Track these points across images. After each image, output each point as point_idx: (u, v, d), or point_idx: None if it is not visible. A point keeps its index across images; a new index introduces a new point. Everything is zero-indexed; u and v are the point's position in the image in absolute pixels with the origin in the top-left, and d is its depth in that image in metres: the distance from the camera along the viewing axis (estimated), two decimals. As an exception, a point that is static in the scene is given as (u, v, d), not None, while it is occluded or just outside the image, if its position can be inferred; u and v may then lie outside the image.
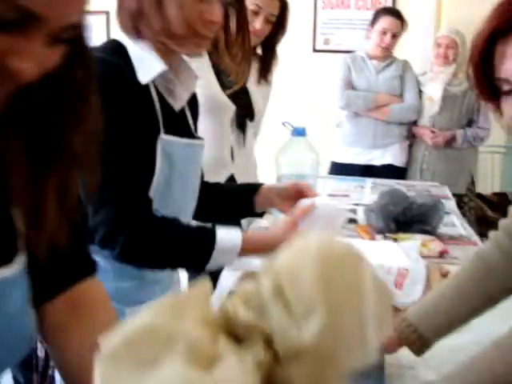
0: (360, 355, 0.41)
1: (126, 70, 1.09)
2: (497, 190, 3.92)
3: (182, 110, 1.27)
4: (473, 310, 1.12)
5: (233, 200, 1.41)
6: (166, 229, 1.12)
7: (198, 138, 1.30)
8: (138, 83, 1.10)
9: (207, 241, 1.12)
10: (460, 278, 1.15)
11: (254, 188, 1.38)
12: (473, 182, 3.40)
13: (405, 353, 1.17)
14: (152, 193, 1.13)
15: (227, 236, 1.13)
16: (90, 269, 0.78)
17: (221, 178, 1.98)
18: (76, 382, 0.71)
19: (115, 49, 1.13)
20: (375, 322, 0.42)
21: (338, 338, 0.39)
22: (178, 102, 1.23)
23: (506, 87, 0.85)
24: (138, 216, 1.10)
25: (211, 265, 1.12)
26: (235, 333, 0.40)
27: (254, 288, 0.42)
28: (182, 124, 1.26)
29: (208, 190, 1.38)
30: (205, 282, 0.43)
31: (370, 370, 1.16)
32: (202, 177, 1.38)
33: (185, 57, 1.22)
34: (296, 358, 0.39)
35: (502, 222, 1.14)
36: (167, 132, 1.16)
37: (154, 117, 1.14)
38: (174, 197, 1.19)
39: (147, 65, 1.11)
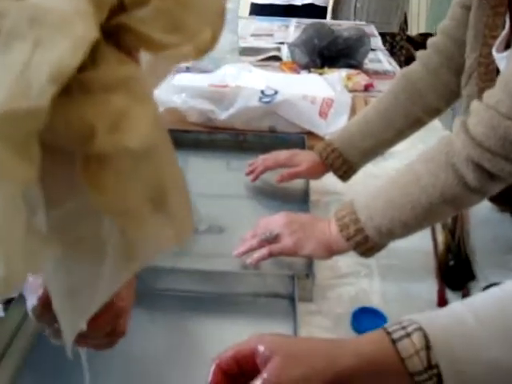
0: None
1: None
2: (422, 30, 3.87)
3: None
4: (398, 132, 1.09)
5: None
6: None
7: None
8: None
9: None
10: (385, 100, 1.10)
11: None
12: (406, 22, 3.32)
13: (330, 179, 1.15)
14: None
15: None
16: None
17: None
18: None
19: None
20: None
21: None
22: None
23: None
24: None
25: None
26: None
27: None
28: None
29: None
30: None
31: (294, 196, 1.15)
32: None
33: None
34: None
35: (430, 40, 1.08)
36: None
37: None
38: None
39: None
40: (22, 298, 0.81)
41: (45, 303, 0.53)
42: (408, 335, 0.53)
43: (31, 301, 0.56)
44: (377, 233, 0.82)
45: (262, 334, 0.55)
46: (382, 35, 2.78)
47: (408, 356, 0.52)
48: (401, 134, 1.10)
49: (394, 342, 0.53)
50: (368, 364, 0.52)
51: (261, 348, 0.53)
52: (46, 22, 0.27)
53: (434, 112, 1.10)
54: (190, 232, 0.35)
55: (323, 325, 0.84)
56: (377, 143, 1.09)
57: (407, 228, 0.83)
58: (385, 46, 2.56)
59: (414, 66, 1.10)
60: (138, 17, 0.30)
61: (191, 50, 0.32)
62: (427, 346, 0.52)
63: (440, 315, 0.56)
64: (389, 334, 0.53)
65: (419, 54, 1.10)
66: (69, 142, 0.28)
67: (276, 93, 1.36)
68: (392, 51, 2.91)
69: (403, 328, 0.53)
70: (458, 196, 0.79)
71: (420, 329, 0.53)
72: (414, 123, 1.09)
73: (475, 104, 0.79)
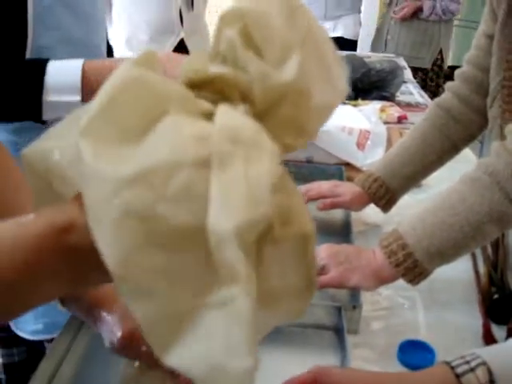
0: (330, 92, 0.37)
1: None
2: (450, 63, 3.86)
3: None
4: (437, 156, 1.10)
5: None
6: None
7: None
8: None
9: (33, 74, 0.87)
10: (422, 129, 1.11)
11: None
12: (442, 58, 3.28)
13: (370, 212, 1.15)
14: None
15: (63, 65, 0.87)
16: None
17: (169, 42, 1.84)
18: None
19: None
20: (337, 63, 0.38)
21: (310, 76, 0.35)
22: None
23: None
24: None
25: (49, 112, 0.87)
26: (205, 95, 0.34)
27: (214, 48, 0.35)
28: None
29: None
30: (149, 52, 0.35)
31: (334, 227, 1.16)
32: None
33: None
34: (277, 102, 0.34)
35: (458, 71, 1.11)
36: None
37: None
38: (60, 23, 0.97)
39: None
40: (64, 337, 0.82)
41: (126, 342, 0.55)
42: (472, 370, 0.52)
43: (109, 338, 0.58)
44: (426, 255, 0.82)
45: (324, 366, 0.55)
46: (415, 70, 2.77)
47: None
48: (439, 159, 1.11)
49: (457, 376, 0.52)
50: None
51: (324, 379, 0.53)
52: (244, 141, 0.30)
53: (468, 138, 1.11)
54: None
55: (369, 357, 0.84)
56: (417, 169, 1.10)
57: (456, 248, 0.83)
58: (416, 80, 2.56)
59: (444, 95, 1.12)
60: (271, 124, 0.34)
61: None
62: (491, 381, 0.52)
63: (502, 349, 0.56)
64: (452, 368, 0.53)
65: (448, 85, 1.13)
66: None
67: (313, 124, 1.37)
68: (425, 87, 2.90)
69: (467, 362, 0.53)
70: (504, 214, 0.81)
71: (484, 363, 0.53)
72: (450, 149, 1.11)
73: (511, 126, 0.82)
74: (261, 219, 0.29)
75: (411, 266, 0.82)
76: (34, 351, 1.09)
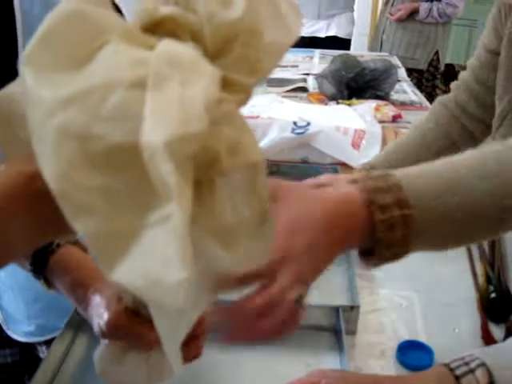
0: (282, 32, 0.38)
1: None
2: (447, 61, 3.86)
3: None
4: (435, 155, 1.09)
5: None
6: None
7: None
8: None
9: None
10: (424, 126, 1.11)
11: None
12: (438, 59, 3.26)
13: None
14: None
15: None
16: None
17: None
18: None
19: None
20: (290, 5, 0.38)
21: (260, 15, 0.36)
22: None
23: None
24: None
25: None
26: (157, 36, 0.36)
27: None
28: None
29: None
30: None
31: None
32: None
33: None
34: (228, 41, 0.36)
35: (461, 75, 1.11)
36: None
37: None
38: None
39: None
40: (62, 339, 0.82)
41: (112, 325, 0.55)
42: (471, 371, 0.52)
43: (97, 322, 0.58)
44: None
45: (323, 369, 0.55)
46: (409, 70, 2.75)
47: None
48: (437, 156, 1.10)
49: (457, 378, 0.52)
50: None
51: (323, 382, 0.52)
52: (183, 65, 0.31)
53: (470, 141, 1.10)
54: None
55: (367, 358, 0.83)
56: (413, 165, 1.09)
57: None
58: (411, 81, 2.55)
59: (449, 96, 1.12)
60: (223, 64, 0.35)
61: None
62: (491, 382, 0.52)
63: (501, 350, 0.56)
64: (451, 370, 0.53)
65: (453, 85, 1.12)
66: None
67: (308, 124, 1.37)
68: (421, 88, 2.89)
69: (466, 364, 0.53)
70: None
71: (483, 364, 0.52)
72: (453, 148, 1.10)
73: None
74: (193, 134, 0.30)
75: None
76: (27, 353, 1.09)
